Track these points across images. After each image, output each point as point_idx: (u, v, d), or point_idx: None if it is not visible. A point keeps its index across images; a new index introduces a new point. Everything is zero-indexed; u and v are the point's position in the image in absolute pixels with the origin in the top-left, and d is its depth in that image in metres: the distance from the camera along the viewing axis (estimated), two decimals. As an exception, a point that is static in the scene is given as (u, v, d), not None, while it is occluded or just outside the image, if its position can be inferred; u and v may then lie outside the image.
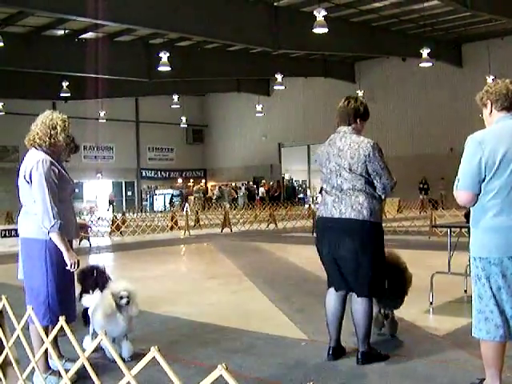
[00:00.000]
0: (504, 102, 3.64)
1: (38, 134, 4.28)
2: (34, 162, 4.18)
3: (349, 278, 4.53)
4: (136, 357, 4.58)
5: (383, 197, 4.56)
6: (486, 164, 3.51)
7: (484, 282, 3.57)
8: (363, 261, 4.45)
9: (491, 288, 3.54)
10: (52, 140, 4.28)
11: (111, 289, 4.74)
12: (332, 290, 4.66)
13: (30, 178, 4.17)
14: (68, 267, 4.18)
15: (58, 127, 4.29)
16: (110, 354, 4.25)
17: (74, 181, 4.60)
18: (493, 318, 3.54)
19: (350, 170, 4.48)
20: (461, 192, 3.62)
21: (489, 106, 3.70)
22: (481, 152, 3.52)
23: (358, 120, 4.65)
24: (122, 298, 4.68)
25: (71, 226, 4.37)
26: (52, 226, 4.08)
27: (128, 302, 4.68)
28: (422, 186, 30.67)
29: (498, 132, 3.59)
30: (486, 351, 3.61)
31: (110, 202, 39.46)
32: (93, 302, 4.92)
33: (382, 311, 5.21)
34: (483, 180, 3.54)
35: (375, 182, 4.50)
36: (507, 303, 3.53)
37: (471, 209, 3.68)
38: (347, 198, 4.49)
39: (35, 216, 4.16)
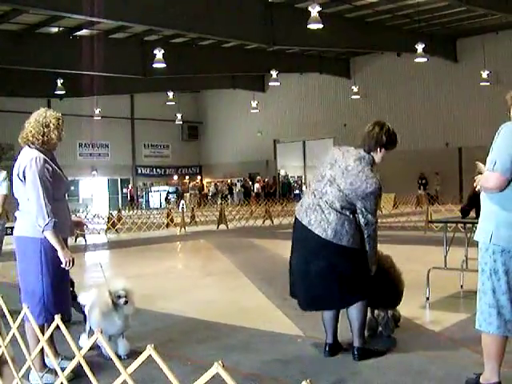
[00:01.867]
0: None
1: (31, 131, 4.26)
2: (28, 160, 4.16)
3: (314, 290, 4.54)
4: (132, 354, 4.57)
5: (364, 232, 4.43)
6: None
7: (501, 276, 3.55)
8: (333, 277, 4.44)
9: (508, 283, 3.54)
10: (45, 138, 4.26)
11: (109, 287, 4.72)
12: None
13: (24, 175, 4.15)
14: (63, 265, 4.17)
15: (51, 125, 4.28)
16: (107, 352, 4.24)
17: (69, 178, 4.59)
18: (504, 313, 3.55)
19: (341, 191, 4.41)
20: (497, 175, 3.55)
21: None
22: None
23: (378, 149, 4.49)
24: (119, 297, 4.67)
25: (66, 224, 4.36)
26: (46, 224, 4.07)
27: (126, 302, 4.67)
28: (420, 181, 30.67)
29: None
30: (490, 345, 3.62)
31: (132, 198, 39.29)
32: (89, 299, 4.91)
33: (376, 313, 5.13)
34: None
35: (360, 215, 4.42)
36: None
37: (494, 194, 3.61)
38: (320, 209, 4.43)
39: (29, 214, 4.15)
